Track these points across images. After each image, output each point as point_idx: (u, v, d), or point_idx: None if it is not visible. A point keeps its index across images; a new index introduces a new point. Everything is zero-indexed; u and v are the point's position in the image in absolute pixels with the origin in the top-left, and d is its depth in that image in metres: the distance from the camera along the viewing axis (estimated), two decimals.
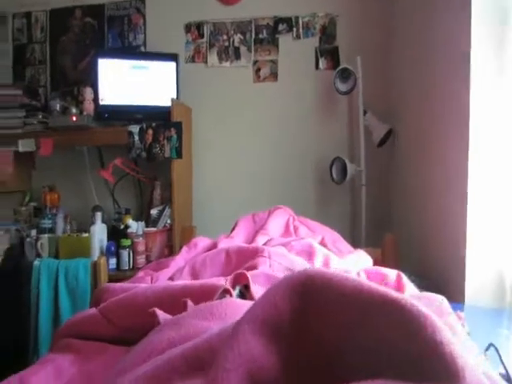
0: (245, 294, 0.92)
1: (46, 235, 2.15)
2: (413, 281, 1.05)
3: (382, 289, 0.41)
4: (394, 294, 0.40)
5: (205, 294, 0.83)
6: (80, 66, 2.58)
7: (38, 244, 2.11)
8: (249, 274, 0.94)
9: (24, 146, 2.28)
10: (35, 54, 2.62)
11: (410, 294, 1.06)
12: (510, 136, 1.27)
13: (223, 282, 0.91)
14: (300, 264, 1.18)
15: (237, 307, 0.73)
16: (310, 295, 0.45)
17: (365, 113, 2.20)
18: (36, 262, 1.92)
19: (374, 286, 0.42)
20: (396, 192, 2.20)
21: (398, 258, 1.74)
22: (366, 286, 0.41)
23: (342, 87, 2.22)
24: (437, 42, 1.62)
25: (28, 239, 2.12)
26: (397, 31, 2.18)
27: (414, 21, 1.92)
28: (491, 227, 1.29)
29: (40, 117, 2.33)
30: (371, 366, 0.36)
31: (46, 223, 2.21)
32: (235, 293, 0.89)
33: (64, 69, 2.60)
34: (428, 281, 1.34)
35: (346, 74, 2.20)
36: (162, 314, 0.79)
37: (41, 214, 2.28)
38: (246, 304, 0.77)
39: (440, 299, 0.83)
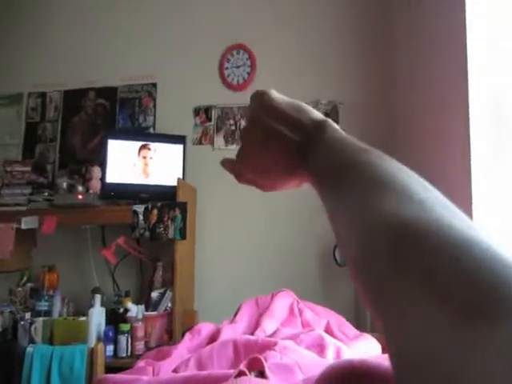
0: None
1: (41, 318, 2.06)
2: None
3: None
4: None
5: (215, 382, 0.79)
6: (89, 145, 2.64)
7: (32, 328, 2.02)
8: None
9: (27, 223, 2.26)
10: (46, 131, 2.70)
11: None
12: None
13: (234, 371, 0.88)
14: (312, 359, 1.14)
15: None
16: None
17: None
18: (29, 349, 1.84)
19: None
20: None
21: None
22: None
23: None
24: (438, 137, 1.69)
25: (22, 322, 2.03)
26: (400, 120, 2.26)
27: (416, 115, 2.01)
28: None
29: (46, 194, 2.35)
30: None
31: (42, 305, 2.14)
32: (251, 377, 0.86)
33: (73, 147, 2.66)
34: None
35: None
36: None
37: (37, 296, 2.21)
38: (263, 382, 0.73)
39: None
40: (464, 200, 1.40)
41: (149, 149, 2.40)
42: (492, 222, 1.32)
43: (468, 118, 1.39)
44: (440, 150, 1.66)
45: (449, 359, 0.19)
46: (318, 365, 0.71)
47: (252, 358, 0.93)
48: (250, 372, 0.88)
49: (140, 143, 2.40)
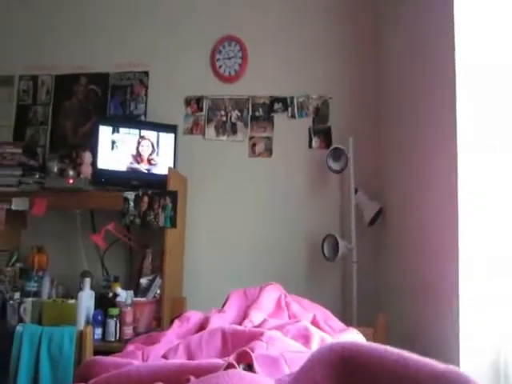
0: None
1: (30, 299, 2.09)
2: None
3: (426, 361, 0.43)
4: (440, 366, 0.42)
5: (205, 373, 0.81)
6: (81, 130, 2.66)
7: (21, 308, 2.05)
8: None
9: (17, 204, 2.28)
10: (38, 115, 2.69)
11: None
12: (500, 212, 1.34)
13: (223, 362, 0.90)
14: (298, 350, 1.19)
15: (242, 378, 0.72)
16: (353, 373, 0.45)
17: (356, 191, 2.27)
18: (19, 328, 1.86)
19: (416, 358, 0.43)
20: (386, 269, 2.23)
21: (388, 337, 1.75)
22: (410, 359, 0.43)
23: (335, 166, 2.29)
24: (422, 126, 1.75)
25: (11, 302, 2.06)
26: (386, 114, 2.32)
27: (401, 106, 2.07)
28: (486, 306, 1.32)
29: (36, 177, 2.36)
30: None
31: (32, 286, 2.16)
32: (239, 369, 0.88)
33: (65, 132, 2.67)
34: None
35: (338, 154, 2.28)
36: None
37: (26, 276, 2.23)
38: (252, 376, 0.77)
39: None
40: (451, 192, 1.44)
41: (145, 138, 2.43)
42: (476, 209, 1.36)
43: (455, 108, 1.41)
44: (427, 137, 1.70)
45: None
46: (303, 358, 0.72)
47: (241, 351, 0.96)
48: (238, 364, 0.90)
49: (131, 130, 2.42)
